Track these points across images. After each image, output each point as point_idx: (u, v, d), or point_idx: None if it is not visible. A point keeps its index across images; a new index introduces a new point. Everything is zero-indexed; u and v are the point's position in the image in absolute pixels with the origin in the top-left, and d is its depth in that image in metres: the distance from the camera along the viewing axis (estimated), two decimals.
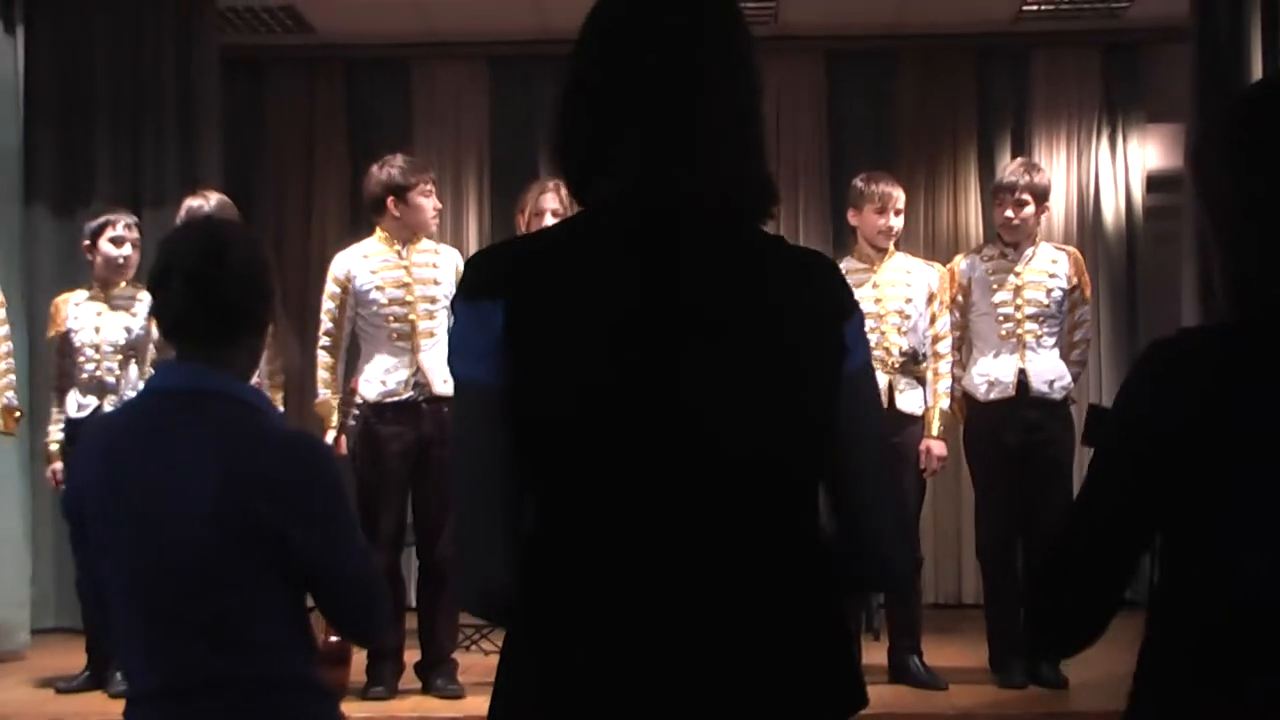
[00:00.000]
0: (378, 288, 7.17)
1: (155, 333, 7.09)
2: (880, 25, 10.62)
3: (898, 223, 7.41)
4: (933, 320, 7.40)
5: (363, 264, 7.24)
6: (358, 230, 7.44)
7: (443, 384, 6.98)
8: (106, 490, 2.96)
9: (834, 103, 11.01)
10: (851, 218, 7.57)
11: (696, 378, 2.03)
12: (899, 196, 7.41)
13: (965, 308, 7.51)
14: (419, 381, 7.09)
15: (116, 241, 7.42)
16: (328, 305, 7.25)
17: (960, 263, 7.68)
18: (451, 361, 2.11)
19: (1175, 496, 2.02)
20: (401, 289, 7.19)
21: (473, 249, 10.65)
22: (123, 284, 7.44)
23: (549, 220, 7.21)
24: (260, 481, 2.91)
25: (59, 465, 7.41)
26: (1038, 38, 10.86)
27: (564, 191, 7.29)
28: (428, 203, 7.22)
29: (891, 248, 7.50)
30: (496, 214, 10.65)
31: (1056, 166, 10.33)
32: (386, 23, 10.39)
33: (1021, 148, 10.75)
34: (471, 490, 2.10)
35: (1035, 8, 10.30)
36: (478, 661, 7.90)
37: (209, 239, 3.12)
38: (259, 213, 10.42)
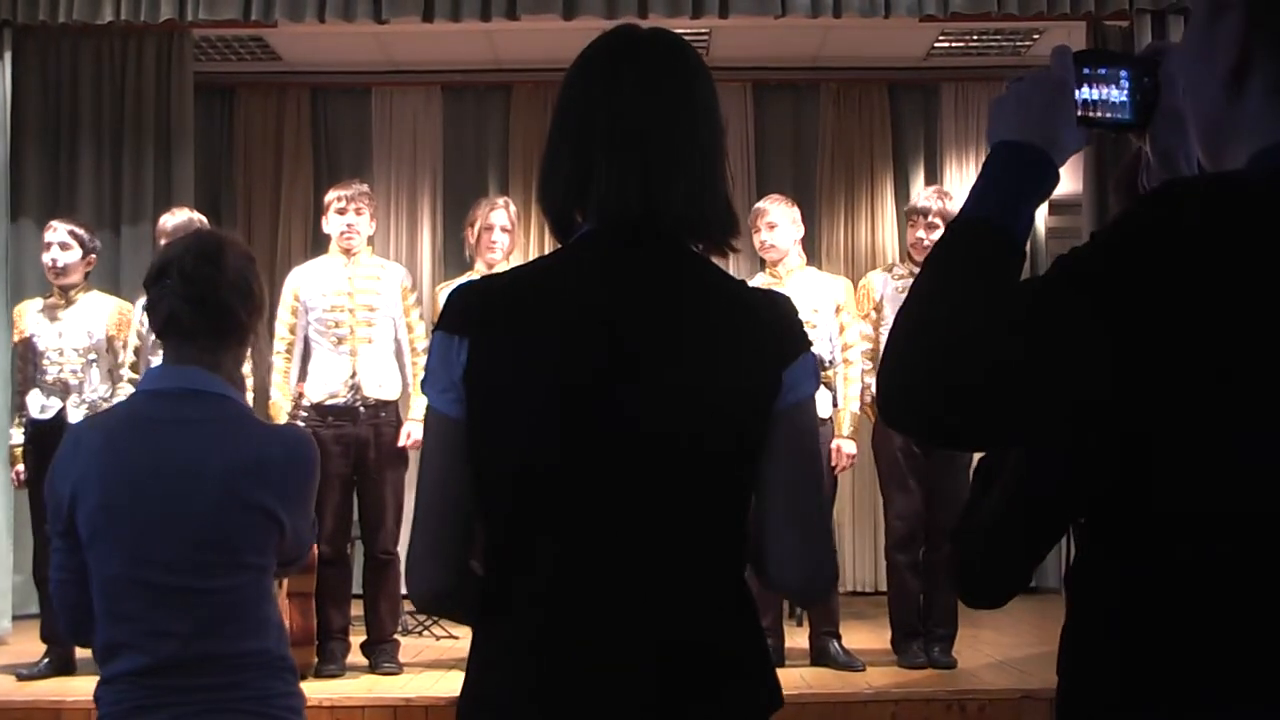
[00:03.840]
0: (322, 295, 7.25)
1: (146, 332, 7.06)
2: (802, 58, 10.64)
3: (769, 236, 7.33)
4: (841, 329, 7.37)
5: (311, 277, 7.34)
6: (320, 245, 7.41)
7: (377, 389, 7.23)
8: (109, 482, 2.92)
9: (759, 129, 11.04)
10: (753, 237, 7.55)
11: (638, 418, 2.02)
12: (766, 211, 7.37)
13: (877, 321, 7.47)
14: (355, 385, 7.14)
15: (46, 247, 7.33)
16: (283, 315, 7.32)
17: (873, 279, 7.69)
18: (423, 386, 2.13)
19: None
20: (343, 298, 7.25)
21: (426, 263, 10.70)
22: (79, 292, 7.33)
23: (498, 234, 7.28)
24: (263, 472, 2.96)
25: (21, 467, 7.34)
26: (947, 72, 10.91)
27: (512, 208, 7.38)
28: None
29: (801, 263, 7.48)
30: (448, 229, 10.60)
31: (966, 190, 10.25)
32: (349, 52, 10.33)
33: (933, 172, 10.83)
34: (426, 502, 2.13)
35: (945, 44, 10.34)
36: (427, 645, 7.95)
37: (208, 243, 3.11)
38: (228, 227, 10.33)
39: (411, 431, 7.12)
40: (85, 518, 2.93)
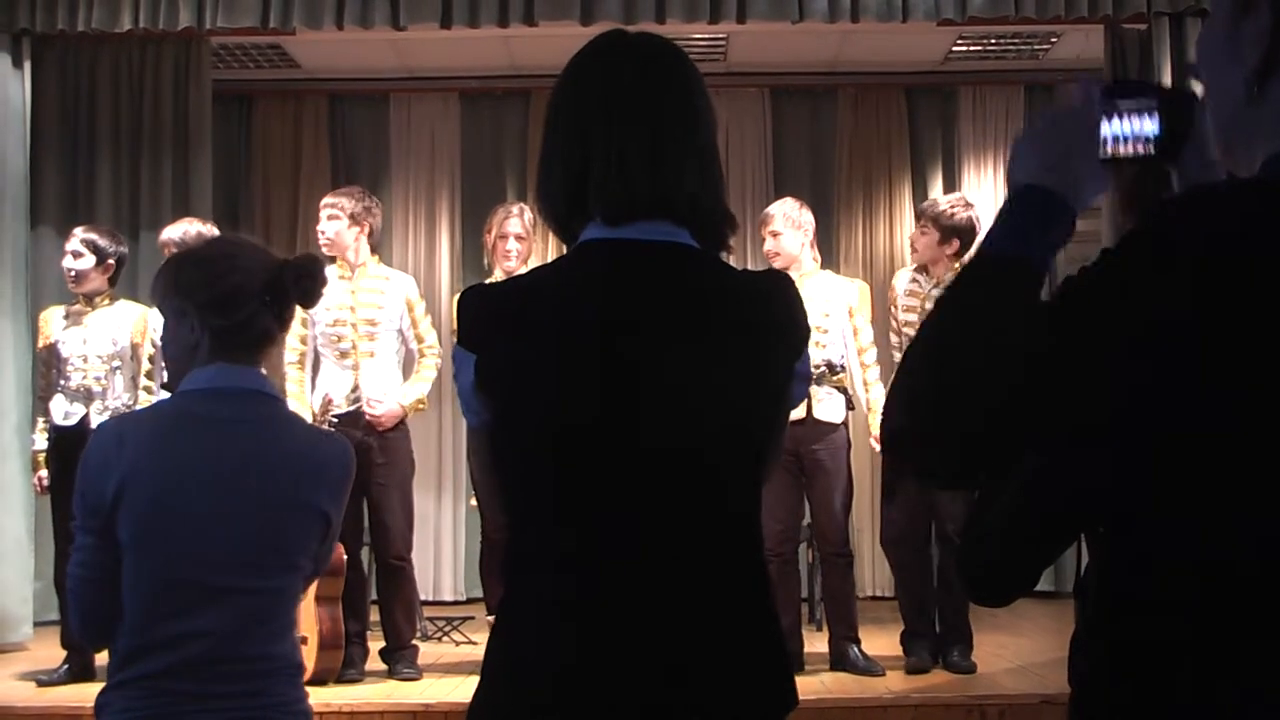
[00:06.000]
0: (325, 309, 7.19)
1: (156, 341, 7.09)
2: (819, 63, 10.64)
3: (773, 244, 7.29)
4: (856, 333, 7.34)
5: None
6: None
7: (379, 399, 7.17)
8: (164, 479, 2.87)
9: (777, 134, 11.04)
10: None
11: (638, 427, 2.04)
12: (771, 217, 7.34)
13: (898, 323, 7.52)
14: (358, 397, 7.15)
15: (64, 255, 7.36)
16: (293, 326, 7.16)
17: (896, 279, 7.77)
18: (455, 376, 2.17)
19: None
20: (345, 312, 7.24)
21: (445, 269, 10.73)
22: (105, 299, 7.34)
23: (512, 243, 7.29)
24: (317, 471, 2.98)
25: (44, 473, 7.34)
26: (965, 76, 10.90)
27: (527, 215, 7.37)
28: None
29: (815, 267, 7.44)
30: (467, 236, 10.64)
31: (984, 194, 10.28)
32: (366, 58, 10.35)
33: (951, 176, 10.81)
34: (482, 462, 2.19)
35: (963, 48, 10.32)
36: (446, 651, 7.97)
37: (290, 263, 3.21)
38: (246, 235, 10.34)
39: (383, 401, 7.13)
40: (132, 516, 2.85)
